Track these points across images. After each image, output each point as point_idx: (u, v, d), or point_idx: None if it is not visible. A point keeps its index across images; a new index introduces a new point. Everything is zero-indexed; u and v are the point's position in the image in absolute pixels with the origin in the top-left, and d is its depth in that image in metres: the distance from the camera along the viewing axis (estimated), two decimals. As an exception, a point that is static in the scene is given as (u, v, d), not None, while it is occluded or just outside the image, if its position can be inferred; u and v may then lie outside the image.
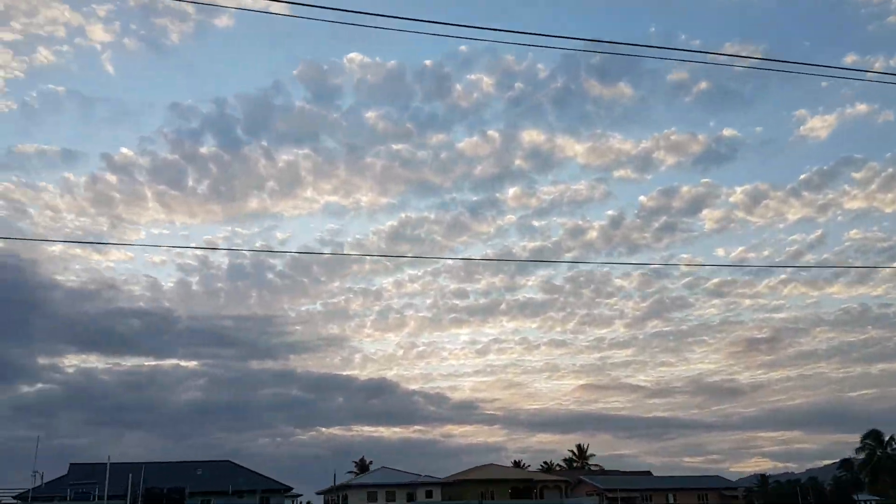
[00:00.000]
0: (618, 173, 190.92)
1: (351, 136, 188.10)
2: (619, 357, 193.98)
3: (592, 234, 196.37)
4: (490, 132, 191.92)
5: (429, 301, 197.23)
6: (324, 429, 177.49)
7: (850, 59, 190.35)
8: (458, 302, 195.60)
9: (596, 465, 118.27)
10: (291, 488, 70.14)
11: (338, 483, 75.78)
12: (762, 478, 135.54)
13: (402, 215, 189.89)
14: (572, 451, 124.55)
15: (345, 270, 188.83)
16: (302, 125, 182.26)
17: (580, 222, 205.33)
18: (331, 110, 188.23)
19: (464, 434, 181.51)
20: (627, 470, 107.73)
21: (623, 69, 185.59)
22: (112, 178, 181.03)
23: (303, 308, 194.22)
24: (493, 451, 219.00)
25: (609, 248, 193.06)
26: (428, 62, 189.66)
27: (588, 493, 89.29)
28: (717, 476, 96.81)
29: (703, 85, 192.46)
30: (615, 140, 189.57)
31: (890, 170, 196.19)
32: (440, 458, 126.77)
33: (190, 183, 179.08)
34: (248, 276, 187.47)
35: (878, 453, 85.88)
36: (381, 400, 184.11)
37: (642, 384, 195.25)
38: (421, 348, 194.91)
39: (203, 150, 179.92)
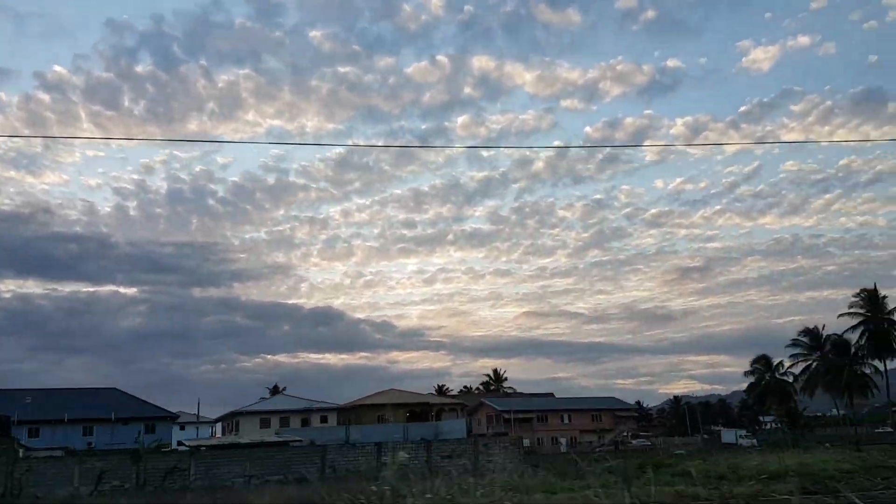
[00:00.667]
0: (565, 103, 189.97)
1: (295, 56, 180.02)
2: (560, 286, 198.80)
3: (539, 165, 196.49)
4: (439, 57, 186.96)
5: (377, 231, 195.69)
6: (269, 356, 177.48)
7: None
8: (406, 232, 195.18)
9: (510, 387, 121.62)
10: (178, 416, 69.74)
11: (233, 410, 75.83)
12: (675, 399, 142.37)
13: (350, 142, 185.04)
14: (488, 376, 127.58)
15: (290, 197, 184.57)
16: (243, 44, 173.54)
17: (527, 153, 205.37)
18: (273, 28, 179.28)
19: (409, 360, 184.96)
20: (537, 392, 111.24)
21: None
22: (45, 97, 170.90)
23: (247, 236, 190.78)
24: (437, 376, 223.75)
25: (555, 179, 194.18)
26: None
27: (487, 415, 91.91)
28: (613, 398, 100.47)
29: (651, 13, 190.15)
30: (563, 69, 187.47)
31: (828, 102, 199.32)
32: (384, 383, 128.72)
33: (126, 103, 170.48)
34: (188, 202, 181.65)
35: (767, 377, 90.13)
36: (328, 328, 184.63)
37: (581, 311, 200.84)
38: (368, 277, 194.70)
39: (139, 68, 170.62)
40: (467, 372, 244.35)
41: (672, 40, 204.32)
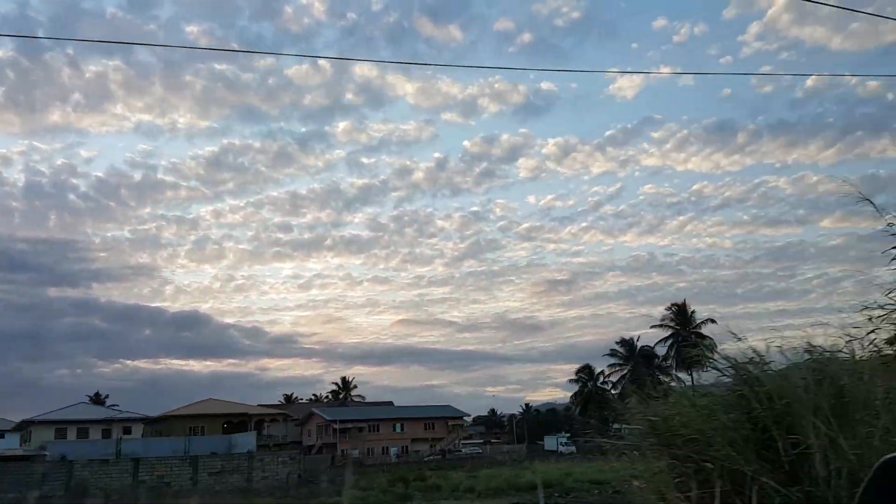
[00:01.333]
0: (445, 116, 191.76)
1: (169, 50, 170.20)
2: (436, 294, 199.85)
3: (419, 175, 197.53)
4: (322, 61, 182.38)
5: (250, 233, 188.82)
6: (129, 361, 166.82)
7: (659, 24, 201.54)
8: (281, 235, 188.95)
9: (359, 395, 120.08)
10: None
11: (26, 419, 70.68)
12: (526, 406, 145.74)
13: (224, 141, 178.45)
14: (336, 384, 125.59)
15: (158, 196, 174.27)
16: (113, 34, 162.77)
17: (408, 162, 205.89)
18: (147, 20, 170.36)
19: (281, 367, 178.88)
20: (376, 401, 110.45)
21: (455, 11, 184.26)
22: None
23: (109, 234, 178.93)
24: (309, 384, 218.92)
25: (434, 190, 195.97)
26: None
27: (318, 424, 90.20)
28: (449, 406, 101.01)
29: (527, 37, 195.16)
30: (444, 83, 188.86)
31: (685, 131, 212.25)
32: (253, 391, 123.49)
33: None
34: (47, 196, 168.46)
35: (589, 385, 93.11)
36: (194, 333, 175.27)
37: (455, 320, 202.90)
38: (240, 281, 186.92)
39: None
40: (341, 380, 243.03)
41: (546, 64, 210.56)
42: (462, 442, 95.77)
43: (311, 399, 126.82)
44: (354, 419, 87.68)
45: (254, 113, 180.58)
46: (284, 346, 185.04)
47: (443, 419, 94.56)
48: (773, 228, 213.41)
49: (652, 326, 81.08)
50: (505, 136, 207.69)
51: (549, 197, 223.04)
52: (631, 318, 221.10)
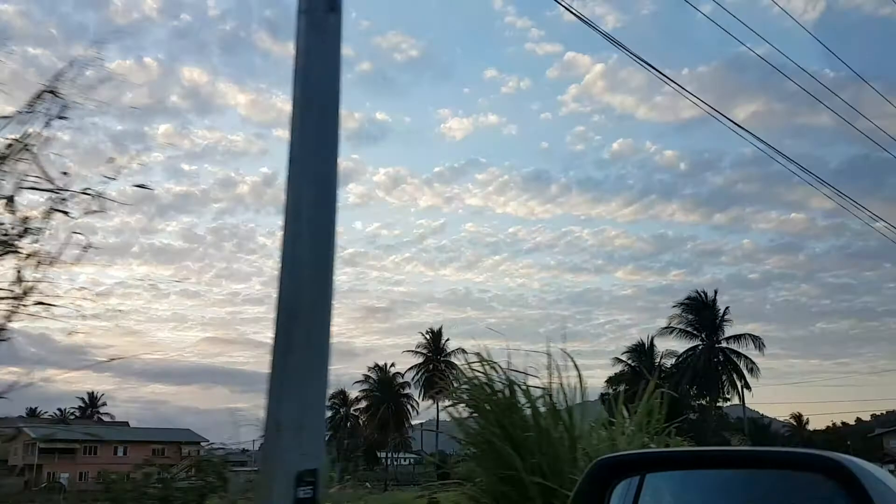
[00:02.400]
0: (277, 132, 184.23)
1: None
2: (250, 313, 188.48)
3: (244, 188, 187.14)
4: (147, 59, 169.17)
5: (47, 233, 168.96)
6: None
7: (490, 74, 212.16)
8: (84, 237, 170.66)
9: (107, 414, 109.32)
10: None
11: None
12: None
13: (29, 129, 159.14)
14: (82, 399, 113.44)
15: None
16: None
17: (233, 174, 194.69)
18: None
19: (68, 381, 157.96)
20: (118, 420, 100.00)
21: (294, 30, 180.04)
22: None
23: None
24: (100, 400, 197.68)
25: (259, 206, 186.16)
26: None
27: (25, 443, 78.81)
28: (188, 430, 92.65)
29: (366, 65, 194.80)
30: (278, 99, 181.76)
31: (506, 176, 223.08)
32: (32, 404, 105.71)
33: None
34: None
35: (341, 412, 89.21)
36: None
37: (268, 341, 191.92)
38: (28, 284, 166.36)
39: None
40: (134, 397, 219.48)
41: (382, 94, 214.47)
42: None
43: (54, 414, 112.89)
44: (66, 439, 77.15)
45: (67, 104, 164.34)
46: (75, 357, 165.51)
47: (176, 443, 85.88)
48: (574, 274, 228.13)
49: (403, 352, 79.28)
50: (338, 160, 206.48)
51: (376, 225, 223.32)
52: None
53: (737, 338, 52.19)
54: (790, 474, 2.64)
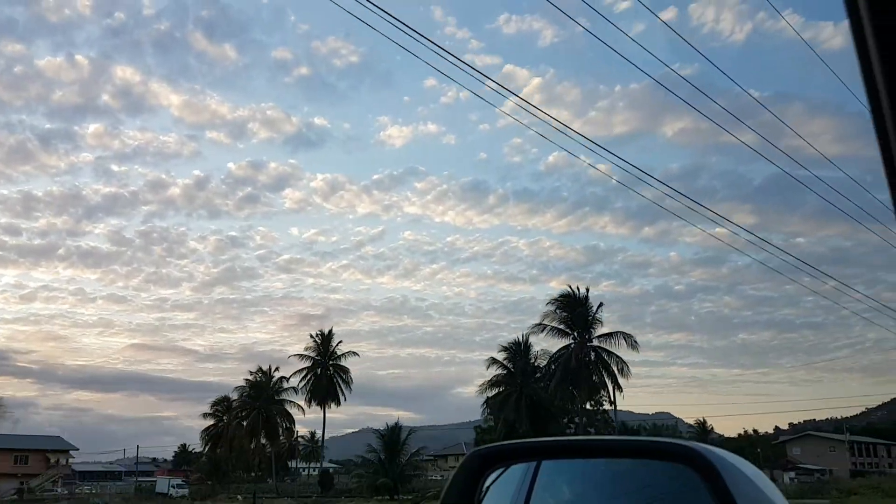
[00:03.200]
0: (211, 134, 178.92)
1: None
2: (180, 319, 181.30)
3: (175, 191, 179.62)
4: (79, 57, 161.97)
5: None
6: None
7: (429, 83, 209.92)
8: (7, 238, 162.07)
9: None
10: None
11: None
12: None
13: None
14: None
15: None
16: None
17: (164, 176, 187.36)
18: None
19: None
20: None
21: (232, 32, 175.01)
22: None
23: None
24: (21, 407, 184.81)
25: (190, 209, 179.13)
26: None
27: None
28: (58, 437, 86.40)
29: (304, 70, 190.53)
30: (213, 100, 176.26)
31: (445, 185, 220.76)
32: None
33: None
34: None
35: (224, 419, 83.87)
36: None
37: (197, 348, 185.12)
38: None
39: None
40: (58, 405, 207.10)
41: (321, 100, 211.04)
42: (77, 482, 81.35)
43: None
44: None
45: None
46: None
47: (42, 452, 79.61)
48: (511, 284, 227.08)
49: (290, 356, 75.10)
50: (273, 165, 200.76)
51: (313, 231, 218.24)
52: (379, 358, 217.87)
53: (608, 336, 50.25)
54: (671, 466, 2.64)
